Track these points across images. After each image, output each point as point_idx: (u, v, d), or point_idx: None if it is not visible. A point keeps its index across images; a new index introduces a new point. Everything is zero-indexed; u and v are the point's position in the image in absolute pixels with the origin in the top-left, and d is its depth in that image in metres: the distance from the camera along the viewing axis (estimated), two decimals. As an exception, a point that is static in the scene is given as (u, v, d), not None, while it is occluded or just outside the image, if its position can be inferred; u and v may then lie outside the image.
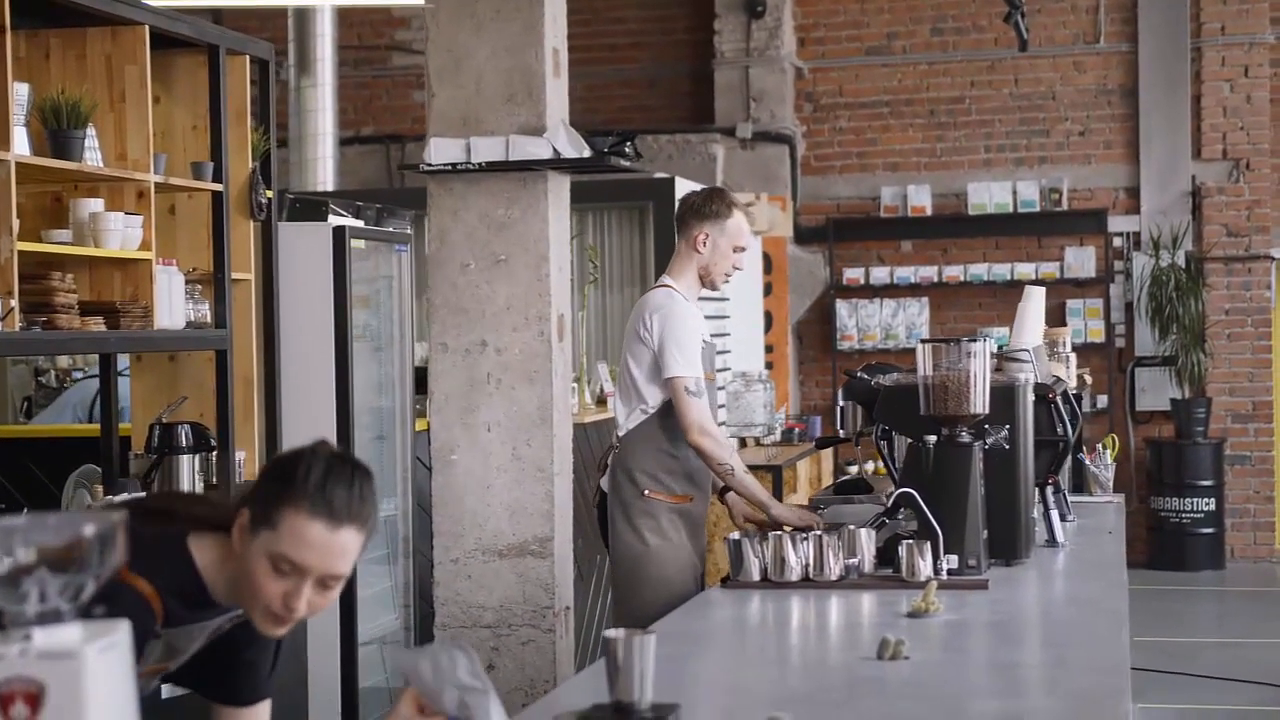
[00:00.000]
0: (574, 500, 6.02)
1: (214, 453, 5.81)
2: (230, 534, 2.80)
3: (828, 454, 11.41)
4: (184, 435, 5.66)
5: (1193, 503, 12.61)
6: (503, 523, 5.75)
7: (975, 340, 4.62)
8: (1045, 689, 3.31)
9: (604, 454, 5.62)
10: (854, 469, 10.67)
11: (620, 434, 5.48)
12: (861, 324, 13.32)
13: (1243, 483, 12.98)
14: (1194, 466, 12.64)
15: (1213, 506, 12.63)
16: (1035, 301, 5.92)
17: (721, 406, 10.06)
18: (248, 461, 6.09)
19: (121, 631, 1.88)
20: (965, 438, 4.59)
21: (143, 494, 5.27)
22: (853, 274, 13.35)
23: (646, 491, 5.38)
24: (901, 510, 4.61)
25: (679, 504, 5.39)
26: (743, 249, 5.48)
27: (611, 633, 2.86)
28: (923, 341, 4.66)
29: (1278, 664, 9.28)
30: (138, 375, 6.04)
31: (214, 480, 5.83)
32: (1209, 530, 12.65)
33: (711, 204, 5.47)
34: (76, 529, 1.86)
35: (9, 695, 1.82)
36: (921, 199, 13.28)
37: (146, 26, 5.45)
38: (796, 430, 11.01)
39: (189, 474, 5.63)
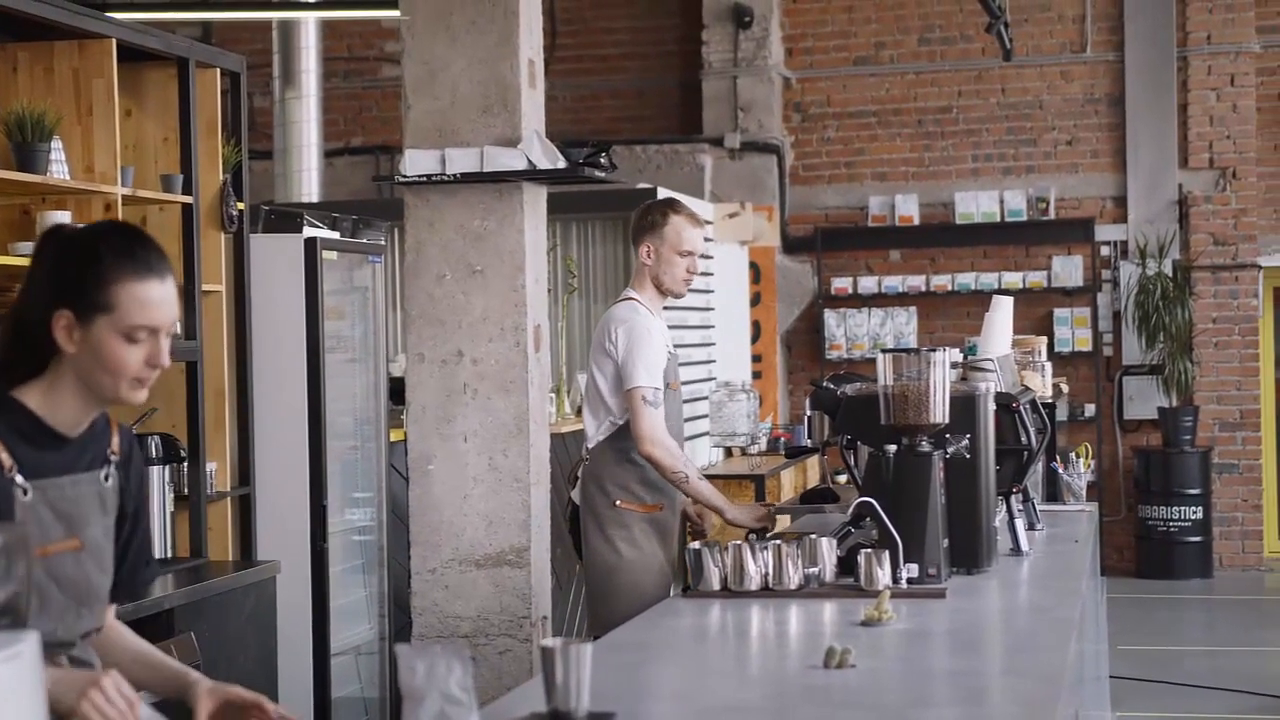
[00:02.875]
0: (551, 510, 6.03)
1: (184, 464, 5.83)
2: (45, 372, 2.86)
3: (814, 463, 11.41)
4: (154, 446, 5.66)
5: (1180, 511, 12.61)
6: (479, 533, 5.75)
7: (935, 350, 4.63)
8: (983, 696, 3.32)
9: (573, 466, 5.65)
10: (843, 478, 10.67)
11: (589, 446, 5.51)
12: (850, 333, 13.33)
13: (1230, 491, 12.99)
14: (1182, 475, 12.64)
15: (1200, 515, 12.64)
16: (1002, 311, 5.94)
17: (703, 417, 10.10)
18: (219, 473, 6.10)
19: (28, 642, 1.89)
20: (925, 447, 4.60)
21: None
22: (841, 283, 13.36)
23: (618, 502, 5.42)
24: (865, 519, 4.61)
25: (650, 513, 5.43)
26: (689, 253, 5.51)
27: (547, 642, 2.88)
28: (883, 351, 4.67)
29: (1263, 672, 9.30)
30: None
31: (185, 492, 5.85)
32: (1197, 539, 12.66)
33: (648, 216, 5.54)
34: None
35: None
36: (909, 208, 13.30)
37: (114, 40, 5.46)
38: (783, 440, 11.02)
39: (159, 485, 5.64)
